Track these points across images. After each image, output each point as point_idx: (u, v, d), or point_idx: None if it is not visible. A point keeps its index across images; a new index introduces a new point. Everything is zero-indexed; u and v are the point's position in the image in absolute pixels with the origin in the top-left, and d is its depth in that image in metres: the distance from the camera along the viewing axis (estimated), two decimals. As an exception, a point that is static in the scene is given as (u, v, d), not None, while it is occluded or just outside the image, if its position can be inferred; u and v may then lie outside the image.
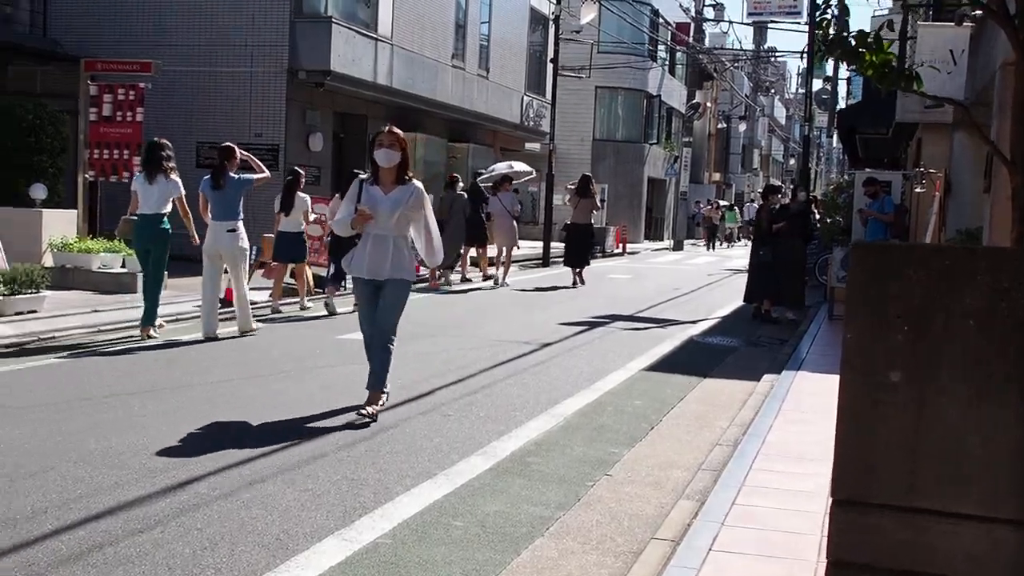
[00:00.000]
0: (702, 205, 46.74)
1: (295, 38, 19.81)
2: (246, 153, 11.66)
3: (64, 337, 10.66)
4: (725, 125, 61.26)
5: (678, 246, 40.98)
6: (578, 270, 19.96)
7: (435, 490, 5.52)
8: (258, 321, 11.89)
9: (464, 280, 19.22)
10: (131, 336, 10.78)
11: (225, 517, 4.91)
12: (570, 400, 8.20)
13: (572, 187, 21.00)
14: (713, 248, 41.65)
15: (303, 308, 13.80)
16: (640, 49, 42.18)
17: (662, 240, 45.90)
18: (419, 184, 7.43)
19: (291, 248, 13.73)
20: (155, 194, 10.77)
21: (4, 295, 11.04)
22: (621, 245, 33.88)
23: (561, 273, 22.81)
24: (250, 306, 11.53)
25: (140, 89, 14.61)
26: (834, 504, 2.67)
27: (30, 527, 4.67)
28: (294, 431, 6.69)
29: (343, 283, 13.91)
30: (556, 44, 28.13)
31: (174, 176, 10.88)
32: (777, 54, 70.26)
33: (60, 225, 14.70)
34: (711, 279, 23.43)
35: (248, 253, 11.55)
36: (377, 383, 7.27)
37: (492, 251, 20.16)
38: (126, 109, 14.61)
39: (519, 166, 23.26)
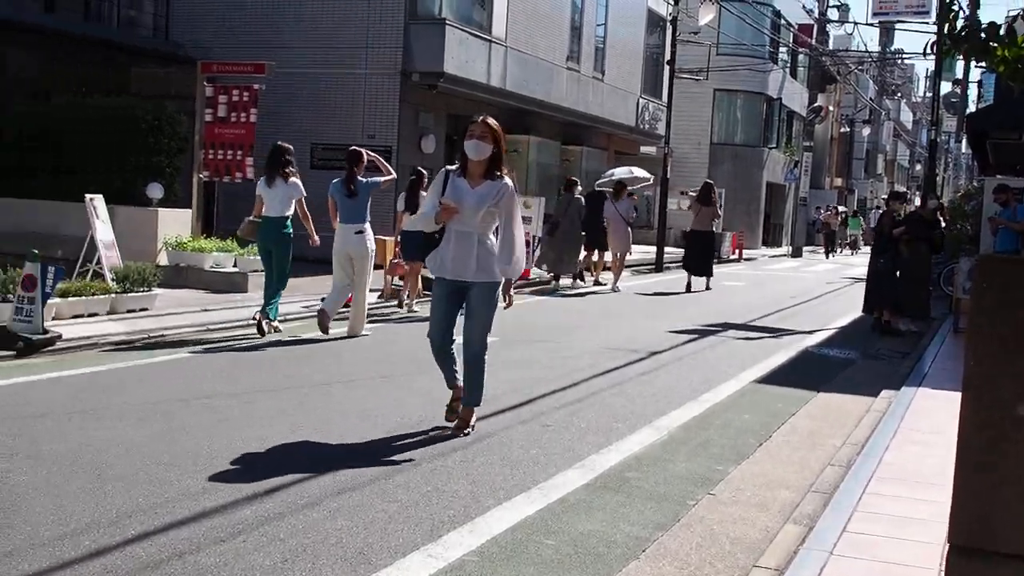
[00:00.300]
0: (822, 211, 45.59)
1: (409, 40, 19.85)
2: (372, 155, 11.85)
3: (172, 335, 10.74)
4: (848, 129, 59.75)
5: (797, 253, 40.01)
6: (702, 277, 19.90)
7: (528, 505, 5.30)
8: (372, 323, 11.81)
9: (579, 282, 19.18)
10: (239, 335, 10.81)
11: (309, 528, 4.77)
12: (675, 412, 7.89)
13: (693, 194, 20.81)
14: (832, 255, 40.55)
15: (410, 311, 13.74)
16: (760, 51, 41.36)
17: (780, 247, 44.93)
18: (510, 182, 6.76)
19: (416, 248, 13.61)
20: (278, 197, 11.06)
21: (116, 293, 11.20)
22: (738, 251, 33.21)
23: (674, 279, 22.47)
24: (366, 311, 11.56)
25: (254, 90, 14.74)
26: (951, 550, 2.36)
27: (112, 531, 4.59)
28: (387, 438, 6.54)
29: None
30: (673, 46, 27.70)
31: (294, 179, 11.14)
32: (903, 56, 68.21)
33: (175, 224, 14.93)
34: (830, 287, 22.75)
35: (374, 255, 11.66)
36: (472, 400, 6.83)
37: (605, 256, 20.04)
38: (240, 110, 14.76)
39: (639, 172, 23.11)
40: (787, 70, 46.01)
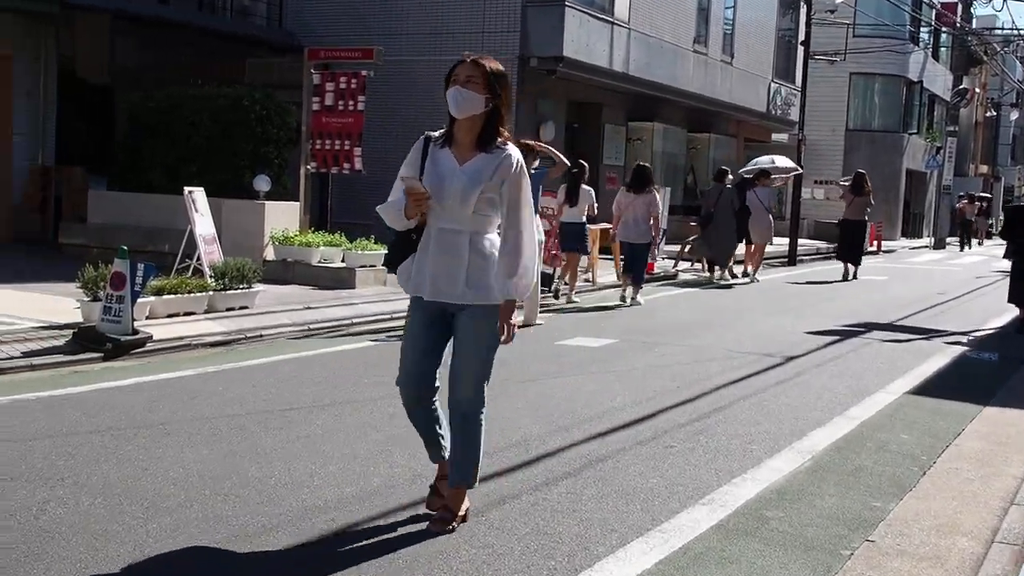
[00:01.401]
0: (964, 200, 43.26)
1: (526, 24, 19.01)
2: (543, 145, 12.21)
3: (271, 334, 10.12)
4: (994, 113, 56.83)
5: (939, 244, 37.94)
6: (851, 266, 20.14)
7: (645, 554, 4.39)
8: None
9: (733, 276, 18.93)
10: (345, 333, 10.14)
11: (379, 583, 3.96)
12: (820, 432, 6.87)
13: (846, 184, 20.98)
14: (967, 247, 38.17)
15: (569, 301, 14.05)
16: (900, 31, 39.37)
17: (921, 237, 42.82)
18: (516, 152, 4.54)
19: (576, 239, 13.94)
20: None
21: (214, 290, 10.63)
22: (876, 243, 31.50)
23: (809, 273, 21.28)
24: (539, 300, 11.80)
25: (362, 77, 14.05)
26: None
27: (145, 586, 3.86)
28: (489, 457, 5.70)
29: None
30: (808, 26, 26.30)
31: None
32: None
33: (283, 217, 14.37)
34: (980, 282, 21.16)
35: (543, 244, 11.62)
36: (462, 478, 4.61)
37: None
38: (348, 98, 14.08)
39: (782, 161, 22.67)
40: (928, 51, 43.79)
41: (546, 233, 15.14)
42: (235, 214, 14.05)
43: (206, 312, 10.44)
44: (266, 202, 14.16)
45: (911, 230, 43.22)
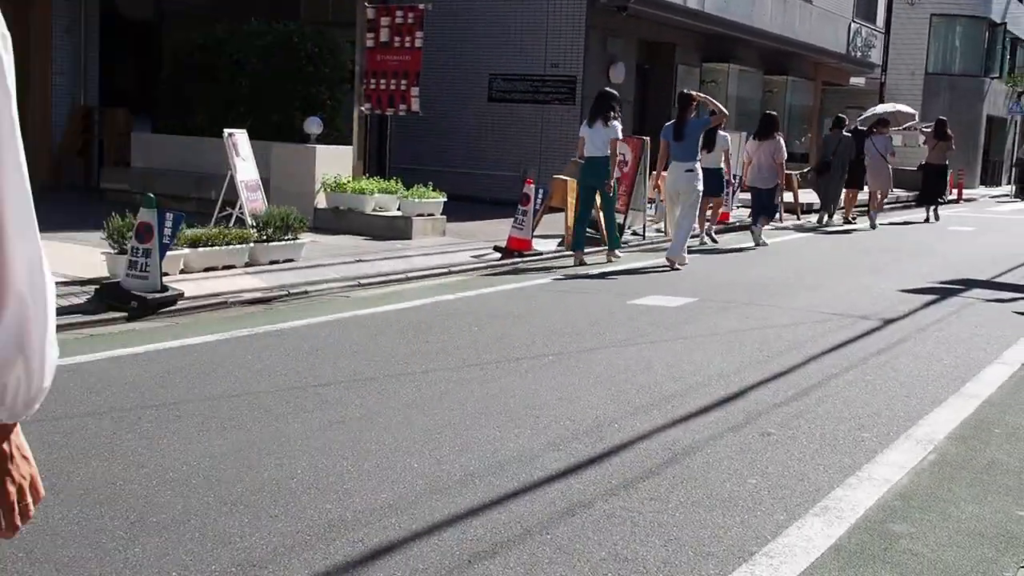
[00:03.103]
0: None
1: (595, -43, 17.85)
2: (702, 95, 13.02)
3: (316, 292, 9.31)
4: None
5: (1021, 193, 36.12)
6: (933, 207, 20.80)
7: (751, 587, 3.51)
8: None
9: (847, 222, 19.29)
10: (394, 291, 9.30)
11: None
12: (935, 413, 5.90)
13: (928, 129, 21.40)
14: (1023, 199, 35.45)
15: (713, 240, 14.80)
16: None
17: (1000, 186, 40.99)
18: None
19: (713, 184, 14.01)
20: (599, 138, 11.75)
21: (257, 241, 9.83)
22: (957, 191, 29.97)
23: (892, 221, 20.05)
24: (687, 241, 12.28)
25: (420, 11, 13.10)
26: None
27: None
28: (552, 455, 4.83)
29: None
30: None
31: (615, 123, 11.79)
32: None
33: (336, 163, 13.53)
34: (1075, 234, 19.78)
35: (701, 193, 12.53)
36: None
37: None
38: (405, 34, 13.15)
39: (903, 107, 23.71)
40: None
41: (616, 180, 14.30)
42: (284, 159, 13.26)
43: (247, 266, 9.68)
44: (317, 146, 13.32)
45: (989, 178, 41.43)
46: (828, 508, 4.29)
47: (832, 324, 8.60)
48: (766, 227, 15.61)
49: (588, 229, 14.00)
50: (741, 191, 17.10)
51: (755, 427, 5.44)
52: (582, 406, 5.67)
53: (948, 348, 7.82)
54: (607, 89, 12.53)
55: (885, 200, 20.26)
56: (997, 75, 40.28)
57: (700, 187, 12.33)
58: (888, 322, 8.85)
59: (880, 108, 22.87)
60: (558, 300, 9.45)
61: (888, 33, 24.93)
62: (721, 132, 14.08)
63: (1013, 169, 38.82)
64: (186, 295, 8.19)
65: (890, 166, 19.40)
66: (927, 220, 20.49)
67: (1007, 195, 36.16)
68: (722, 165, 14.77)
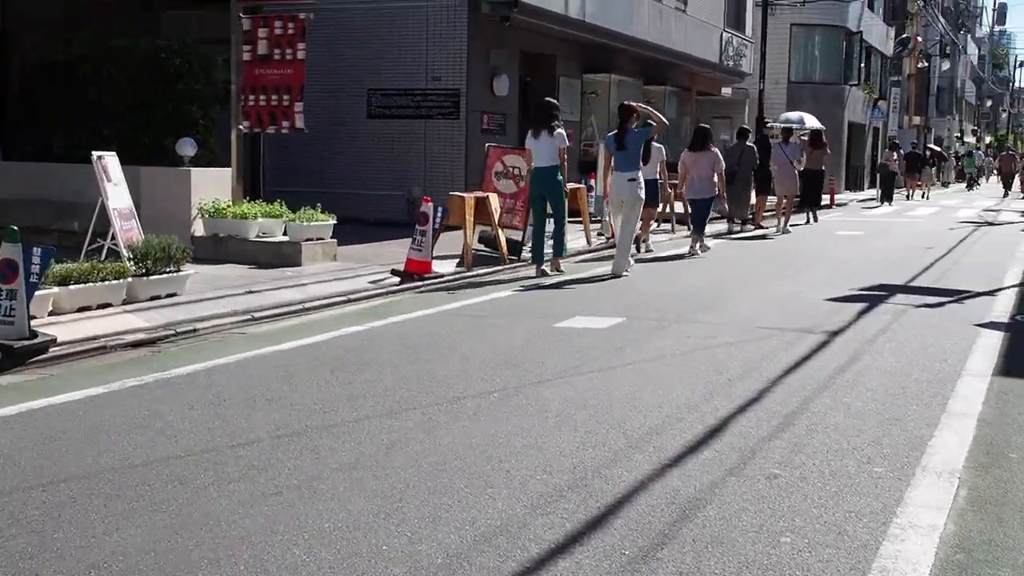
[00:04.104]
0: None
1: (475, -35, 17.13)
2: (642, 106, 13.08)
3: (207, 330, 8.30)
4: (926, 64, 56.01)
5: (885, 197, 36.66)
6: (812, 211, 22.03)
7: None
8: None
9: (757, 227, 19.83)
10: (295, 321, 8.35)
11: None
12: (938, 438, 5.29)
13: (804, 138, 22.34)
14: (889, 202, 35.19)
15: (648, 249, 14.90)
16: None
17: (863, 190, 41.71)
18: None
19: (648, 194, 13.58)
20: (546, 148, 11.91)
21: (135, 275, 8.76)
22: (829, 197, 30.15)
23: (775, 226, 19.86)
24: (630, 249, 12.50)
25: (301, 21, 12.13)
26: None
27: None
28: (539, 515, 4.01)
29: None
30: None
31: (560, 131, 11.99)
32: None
33: (213, 186, 12.44)
34: (956, 234, 19.84)
35: (643, 201, 12.64)
36: None
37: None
38: (285, 45, 12.15)
39: (810, 120, 26.12)
40: (865, 2, 42.60)
41: (513, 196, 13.59)
42: (155, 184, 12.13)
43: (125, 303, 8.61)
44: (192, 169, 12.22)
45: (853, 183, 42.17)
46: (887, 570, 3.58)
47: (777, 340, 7.99)
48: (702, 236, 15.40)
49: (484, 247, 13.31)
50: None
51: (756, 468, 4.72)
52: (553, 453, 4.86)
53: (909, 361, 7.28)
54: (548, 99, 12.83)
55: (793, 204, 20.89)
56: (856, 83, 41.08)
57: (643, 195, 12.47)
58: (833, 334, 8.29)
59: (791, 115, 25.23)
60: (476, 327, 8.63)
61: (764, 41, 24.84)
62: (656, 144, 14.19)
63: (877, 174, 39.51)
64: (59, 340, 7.11)
65: (796, 172, 20.06)
66: (808, 222, 21.62)
67: (873, 199, 36.69)
68: (657, 176, 14.93)
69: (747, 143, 19.83)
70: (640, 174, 12.32)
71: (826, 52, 39.91)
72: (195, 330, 8.25)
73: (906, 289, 11.40)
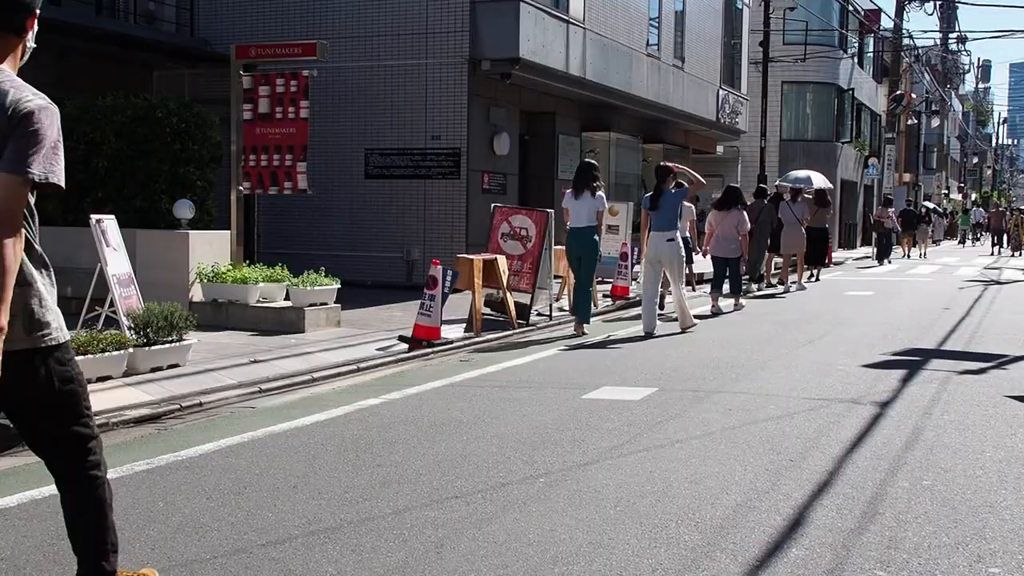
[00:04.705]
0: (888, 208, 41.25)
1: (476, 22, 16.79)
2: (680, 167, 13.17)
3: (213, 404, 7.75)
4: (916, 121, 56.18)
5: (881, 255, 36.30)
6: (816, 269, 22.30)
7: None
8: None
9: (770, 286, 20.10)
10: (310, 397, 7.79)
11: None
12: (1042, 531, 4.76)
13: (809, 196, 21.99)
14: (887, 261, 34.61)
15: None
16: (829, 38, 38.18)
17: (855, 248, 41.43)
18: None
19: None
20: (584, 209, 12.13)
21: (135, 346, 8.20)
22: (827, 256, 29.76)
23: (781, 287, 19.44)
24: (688, 304, 12.77)
25: (304, 78, 11.67)
26: None
27: None
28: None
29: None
30: (767, 24, 24.51)
31: (600, 193, 12.19)
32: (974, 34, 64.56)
33: (211, 250, 11.93)
34: (967, 293, 19.43)
35: (684, 259, 12.96)
36: None
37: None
38: (287, 104, 11.68)
39: (817, 178, 25.80)
40: (855, 59, 42.70)
41: (520, 258, 13.11)
42: (152, 248, 11.61)
43: (126, 375, 8.04)
44: (190, 231, 11.70)
45: (846, 241, 41.94)
46: None
47: (826, 412, 7.47)
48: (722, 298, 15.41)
49: (490, 311, 12.81)
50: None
51: (857, 570, 4.16)
52: (623, 552, 4.31)
53: (978, 438, 6.75)
54: (588, 160, 13.23)
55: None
56: (848, 140, 41.01)
57: (683, 254, 12.75)
58: (883, 405, 7.78)
59: (798, 174, 25.26)
60: (500, 400, 8.08)
61: (765, 98, 24.62)
62: (686, 203, 14.11)
63: (873, 233, 39.18)
64: (57, 421, 6.51)
65: (804, 229, 20.23)
66: (811, 278, 21.96)
67: (868, 257, 36.25)
68: (687, 234, 15.02)
69: (765, 201, 19.87)
70: (677, 233, 12.53)
71: (818, 109, 39.90)
72: (200, 404, 7.70)
73: (940, 354, 10.93)
